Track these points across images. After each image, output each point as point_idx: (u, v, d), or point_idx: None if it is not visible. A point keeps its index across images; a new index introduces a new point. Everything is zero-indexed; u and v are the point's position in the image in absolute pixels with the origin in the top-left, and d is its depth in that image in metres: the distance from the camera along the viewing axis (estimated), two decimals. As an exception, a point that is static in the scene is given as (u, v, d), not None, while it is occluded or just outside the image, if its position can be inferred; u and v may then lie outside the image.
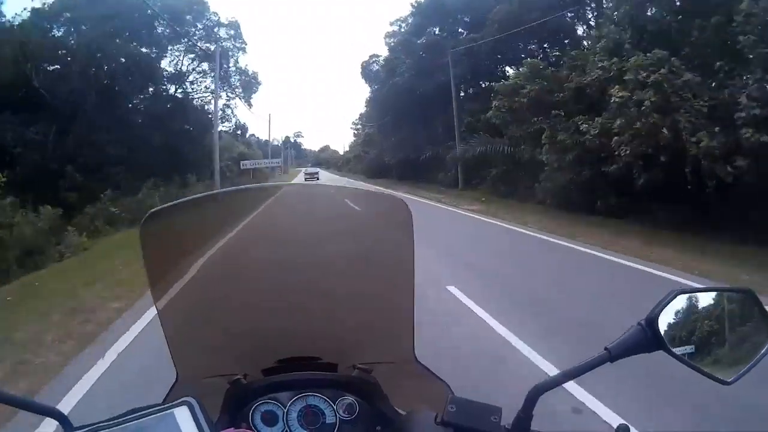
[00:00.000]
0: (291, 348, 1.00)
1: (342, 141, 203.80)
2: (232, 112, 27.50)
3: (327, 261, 1.04)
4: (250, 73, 26.97)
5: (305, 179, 43.57)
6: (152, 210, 0.92)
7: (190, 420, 0.65)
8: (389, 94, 30.62)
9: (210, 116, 22.00)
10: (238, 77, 26.06)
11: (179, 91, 24.13)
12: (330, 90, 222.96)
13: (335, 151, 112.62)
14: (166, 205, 0.97)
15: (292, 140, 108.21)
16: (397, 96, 29.28)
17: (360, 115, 58.08)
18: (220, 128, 22.59)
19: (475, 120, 21.76)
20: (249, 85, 26.59)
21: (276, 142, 79.54)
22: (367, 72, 38.37)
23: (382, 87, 33.26)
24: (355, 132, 65.88)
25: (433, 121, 27.35)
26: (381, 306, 1.00)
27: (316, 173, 51.50)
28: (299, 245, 1.06)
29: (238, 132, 32.91)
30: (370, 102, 42.64)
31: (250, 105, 28.62)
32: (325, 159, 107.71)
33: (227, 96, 25.72)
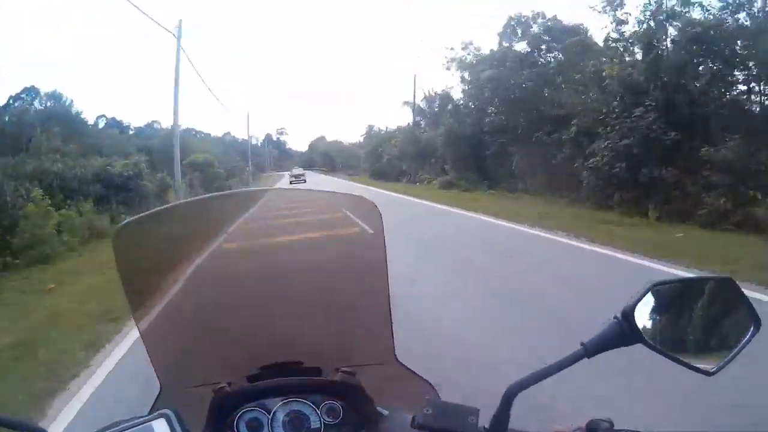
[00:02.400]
0: (274, 354, 1.00)
1: (355, 127, 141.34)
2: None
3: (304, 266, 1.04)
4: None
5: (290, 182, 42.57)
6: (124, 222, 0.92)
7: None
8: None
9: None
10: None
11: None
12: (328, 69, 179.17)
13: (337, 143, 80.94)
14: (137, 216, 0.97)
15: (274, 138, 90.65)
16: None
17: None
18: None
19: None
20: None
21: (255, 141, 68.29)
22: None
23: None
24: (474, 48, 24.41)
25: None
26: (358, 308, 1.00)
27: (302, 175, 48.34)
28: (277, 252, 1.06)
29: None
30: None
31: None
32: (321, 155, 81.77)
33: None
